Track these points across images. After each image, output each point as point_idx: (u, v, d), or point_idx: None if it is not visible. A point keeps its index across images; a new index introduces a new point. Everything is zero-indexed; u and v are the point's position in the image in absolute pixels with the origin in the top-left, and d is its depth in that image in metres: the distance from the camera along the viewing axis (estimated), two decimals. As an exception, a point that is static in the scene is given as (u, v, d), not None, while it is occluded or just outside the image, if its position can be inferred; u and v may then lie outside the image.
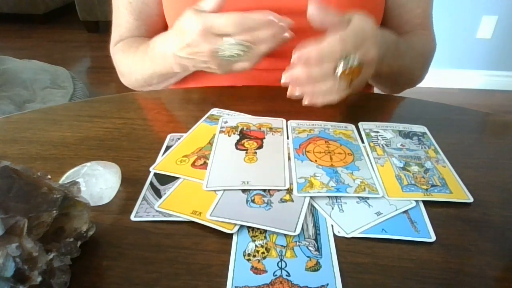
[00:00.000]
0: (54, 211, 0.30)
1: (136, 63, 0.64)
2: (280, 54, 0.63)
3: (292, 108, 0.56)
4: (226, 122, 0.51)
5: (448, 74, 2.34)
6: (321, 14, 0.47)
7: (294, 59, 0.45)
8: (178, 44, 0.53)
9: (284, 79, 0.47)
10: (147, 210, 0.37)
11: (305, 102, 0.48)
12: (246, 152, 0.45)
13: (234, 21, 0.48)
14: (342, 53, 0.45)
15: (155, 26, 0.70)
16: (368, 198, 0.39)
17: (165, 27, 0.71)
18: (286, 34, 0.51)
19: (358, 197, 0.39)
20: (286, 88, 0.60)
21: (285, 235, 0.35)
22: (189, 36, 0.51)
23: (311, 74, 0.46)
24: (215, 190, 0.39)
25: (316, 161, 0.44)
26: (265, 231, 0.35)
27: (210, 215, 0.36)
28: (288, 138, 0.48)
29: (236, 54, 0.50)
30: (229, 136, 0.48)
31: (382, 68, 0.55)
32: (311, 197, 0.39)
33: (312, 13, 0.47)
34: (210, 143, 0.47)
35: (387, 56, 0.54)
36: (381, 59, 0.51)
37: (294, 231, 0.35)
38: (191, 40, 0.51)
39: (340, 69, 0.45)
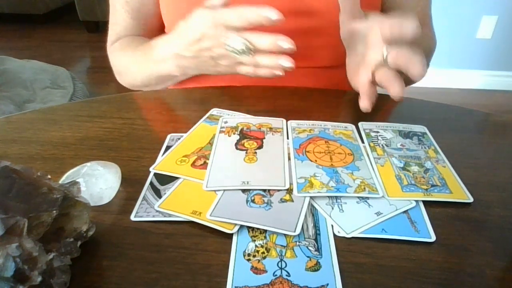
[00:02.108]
0: (54, 211, 0.30)
1: (134, 63, 0.64)
2: (289, 54, 0.63)
3: (292, 108, 0.56)
4: (226, 122, 0.51)
5: (448, 74, 2.35)
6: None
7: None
8: (185, 42, 0.54)
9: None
10: (147, 210, 0.38)
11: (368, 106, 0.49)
12: (246, 152, 0.45)
13: (241, 13, 0.49)
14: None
15: (152, 25, 0.70)
16: (368, 198, 0.39)
17: (162, 27, 0.71)
18: (287, 44, 0.50)
19: (358, 197, 0.39)
20: (286, 88, 0.61)
21: (285, 235, 0.35)
22: (200, 31, 0.52)
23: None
24: (215, 190, 0.39)
25: (316, 161, 0.44)
26: (265, 231, 0.35)
27: (210, 215, 0.36)
28: (288, 138, 0.48)
29: (241, 49, 0.51)
30: (229, 136, 0.48)
31: None
32: (311, 197, 0.39)
33: None
34: (210, 143, 0.47)
35: None
36: None
37: (294, 231, 0.35)
38: (201, 35, 0.52)
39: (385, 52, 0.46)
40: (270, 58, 0.52)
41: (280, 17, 0.48)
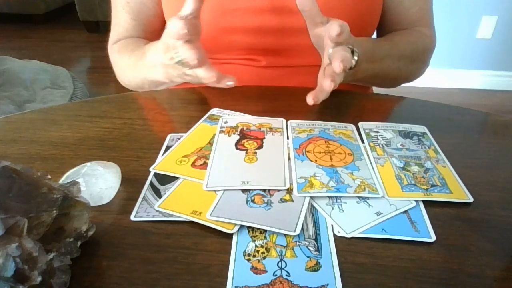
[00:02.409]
0: (54, 211, 0.30)
1: (129, 66, 0.65)
2: (279, 52, 0.63)
3: (292, 108, 0.56)
4: (226, 122, 0.51)
5: (448, 74, 2.34)
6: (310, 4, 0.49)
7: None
8: (164, 49, 0.54)
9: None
10: (147, 210, 0.37)
11: (311, 100, 0.48)
12: (246, 152, 0.45)
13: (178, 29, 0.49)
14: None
15: (153, 26, 0.71)
16: (368, 198, 0.39)
17: (163, 28, 0.71)
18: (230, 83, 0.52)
19: (358, 197, 0.39)
20: (286, 88, 0.61)
21: (285, 235, 0.35)
22: (165, 41, 0.52)
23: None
24: (215, 190, 0.39)
25: (316, 161, 0.44)
26: (265, 231, 0.35)
27: (210, 215, 0.36)
28: (288, 138, 0.48)
29: (179, 62, 0.51)
30: (229, 136, 0.48)
31: (358, 73, 0.57)
32: (311, 197, 0.39)
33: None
34: (210, 143, 0.47)
35: (362, 61, 0.55)
36: (356, 63, 0.52)
37: (294, 231, 0.35)
38: (167, 45, 0.52)
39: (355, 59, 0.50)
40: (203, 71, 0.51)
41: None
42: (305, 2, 0.49)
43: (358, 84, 0.70)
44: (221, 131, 0.49)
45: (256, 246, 0.34)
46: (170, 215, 0.37)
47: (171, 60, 0.53)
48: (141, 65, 0.62)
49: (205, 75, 0.51)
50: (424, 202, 0.39)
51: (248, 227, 0.36)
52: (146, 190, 0.40)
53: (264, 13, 0.61)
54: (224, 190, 0.39)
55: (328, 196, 0.39)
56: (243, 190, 0.40)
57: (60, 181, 0.38)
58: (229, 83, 0.52)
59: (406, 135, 0.50)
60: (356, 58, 0.50)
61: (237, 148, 0.46)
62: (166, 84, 0.63)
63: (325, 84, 0.46)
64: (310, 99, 0.48)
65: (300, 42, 0.61)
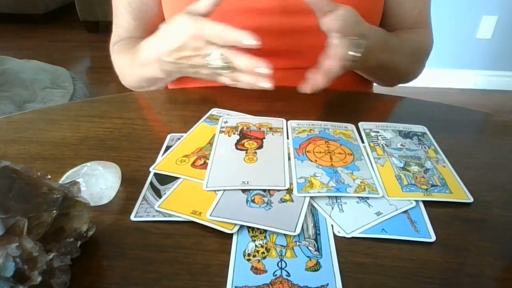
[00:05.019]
0: (54, 211, 0.30)
1: (127, 65, 0.64)
2: (284, 54, 0.63)
3: (292, 108, 0.56)
4: (226, 122, 0.51)
5: (448, 74, 2.35)
6: None
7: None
8: (166, 48, 0.53)
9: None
10: (147, 210, 0.38)
11: (308, 89, 0.49)
12: (246, 152, 0.45)
13: (221, 33, 0.48)
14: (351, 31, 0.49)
15: (154, 26, 0.70)
16: (368, 198, 0.39)
17: None
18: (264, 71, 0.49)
19: (358, 197, 0.39)
20: (286, 88, 0.61)
21: (285, 235, 0.35)
22: (181, 40, 0.51)
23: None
24: (215, 190, 0.39)
25: (316, 161, 0.44)
26: (265, 231, 0.35)
27: (210, 215, 0.36)
28: (288, 138, 0.48)
29: (220, 66, 0.50)
30: (229, 136, 0.48)
31: (370, 61, 0.56)
32: (311, 197, 0.39)
33: None
34: (210, 143, 0.47)
35: (375, 50, 0.55)
36: (369, 51, 0.52)
37: (294, 231, 0.35)
38: (182, 44, 0.51)
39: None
40: (250, 77, 0.50)
41: (258, 42, 0.47)
42: None
43: (365, 73, 0.69)
44: (221, 131, 0.49)
45: (256, 246, 0.34)
46: (170, 215, 0.37)
47: (181, 59, 0.52)
48: (137, 64, 0.61)
49: (249, 80, 0.51)
50: (424, 202, 0.39)
51: (248, 227, 0.36)
52: (146, 190, 0.40)
53: (267, 14, 0.60)
54: (224, 190, 0.39)
55: (328, 196, 0.39)
56: (243, 190, 0.40)
57: (60, 181, 0.38)
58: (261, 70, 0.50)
59: (406, 135, 0.50)
60: (359, 54, 0.49)
61: (237, 148, 0.46)
62: (163, 80, 0.62)
63: (306, 84, 0.47)
64: (303, 87, 0.49)
65: (305, 43, 0.60)
